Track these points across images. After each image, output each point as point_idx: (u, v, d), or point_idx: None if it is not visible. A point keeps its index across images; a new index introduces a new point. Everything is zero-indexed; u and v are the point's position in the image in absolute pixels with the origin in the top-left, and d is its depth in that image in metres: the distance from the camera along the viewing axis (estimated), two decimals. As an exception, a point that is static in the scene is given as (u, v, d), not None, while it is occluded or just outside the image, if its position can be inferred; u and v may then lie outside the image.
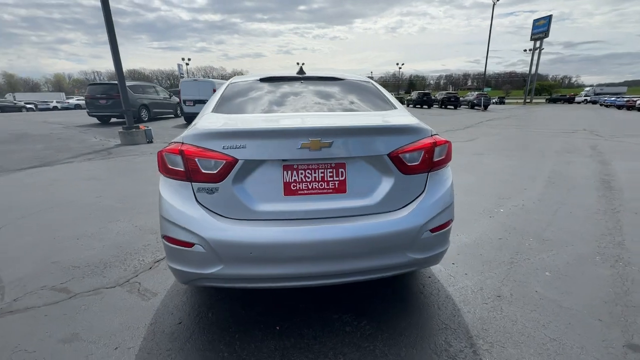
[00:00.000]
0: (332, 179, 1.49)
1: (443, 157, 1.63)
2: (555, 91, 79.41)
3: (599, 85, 70.12)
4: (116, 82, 8.50)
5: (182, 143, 1.47)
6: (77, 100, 37.18)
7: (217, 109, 1.84)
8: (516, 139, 9.00)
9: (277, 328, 1.71)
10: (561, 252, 2.47)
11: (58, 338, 1.65)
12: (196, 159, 1.42)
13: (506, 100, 54.63)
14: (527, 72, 46.79)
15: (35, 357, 1.52)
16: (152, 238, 2.76)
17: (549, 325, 1.69)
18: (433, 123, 12.89)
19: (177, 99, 14.73)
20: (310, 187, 1.48)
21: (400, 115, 1.73)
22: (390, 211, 1.52)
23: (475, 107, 28.18)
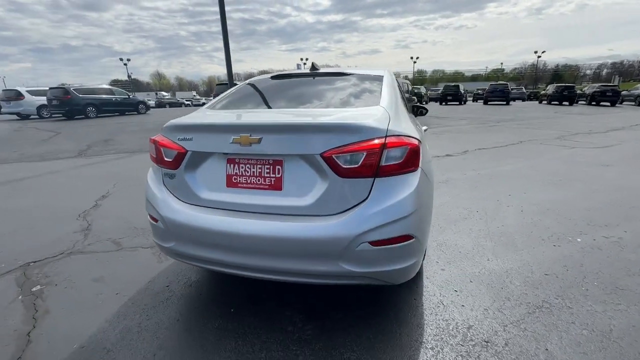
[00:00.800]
0: (269, 175, 1.50)
1: (399, 162, 1.41)
2: None
3: None
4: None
5: (160, 134, 1.73)
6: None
7: (213, 105, 2.06)
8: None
9: (232, 310, 1.83)
10: None
11: (92, 277, 2.20)
12: (162, 148, 1.66)
13: None
14: None
15: (70, 287, 2.08)
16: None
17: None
18: (553, 125, 10.49)
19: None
20: (249, 182, 1.53)
21: (361, 113, 1.57)
22: (324, 215, 1.42)
23: (647, 104, 21.05)
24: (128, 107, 18.30)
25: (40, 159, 6.33)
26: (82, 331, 1.69)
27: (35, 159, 6.40)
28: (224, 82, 15.80)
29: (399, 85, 3.01)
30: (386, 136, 1.40)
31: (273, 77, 2.39)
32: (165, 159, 1.65)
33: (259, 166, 1.51)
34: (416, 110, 3.93)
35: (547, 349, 1.50)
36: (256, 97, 2.09)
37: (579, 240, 2.58)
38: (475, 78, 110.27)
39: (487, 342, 1.56)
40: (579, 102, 24.03)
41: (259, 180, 1.51)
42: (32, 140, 8.87)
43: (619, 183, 4.09)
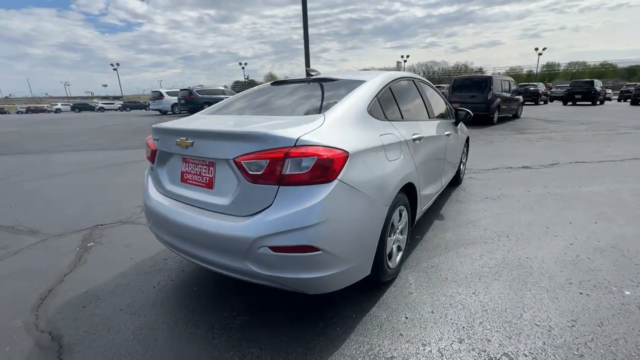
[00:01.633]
0: (205, 175, 1.69)
1: (306, 172, 1.41)
2: None
3: None
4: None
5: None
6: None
7: (207, 110, 2.37)
8: None
9: (195, 288, 2.11)
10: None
11: (125, 243, 2.81)
12: (147, 146, 2.04)
13: None
14: None
15: (108, 247, 2.72)
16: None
17: None
18: None
19: None
20: (194, 179, 1.76)
21: (287, 122, 1.62)
22: (238, 216, 1.54)
23: None
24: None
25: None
26: (94, 281, 2.22)
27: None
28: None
29: (419, 89, 2.80)
30: (293, 146, 1.42)
31: (272, 84, 2.57)
32: (147, 155, 2.03)
33: (200, 166, 1.72)
34: (456, 114, 3.55)
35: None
36: (240, 103, 2.31)
37: (627, 293, 1.95)
38: (633, 71, 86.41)
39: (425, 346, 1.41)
40: None
41: (199, 179, 1.73)
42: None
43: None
